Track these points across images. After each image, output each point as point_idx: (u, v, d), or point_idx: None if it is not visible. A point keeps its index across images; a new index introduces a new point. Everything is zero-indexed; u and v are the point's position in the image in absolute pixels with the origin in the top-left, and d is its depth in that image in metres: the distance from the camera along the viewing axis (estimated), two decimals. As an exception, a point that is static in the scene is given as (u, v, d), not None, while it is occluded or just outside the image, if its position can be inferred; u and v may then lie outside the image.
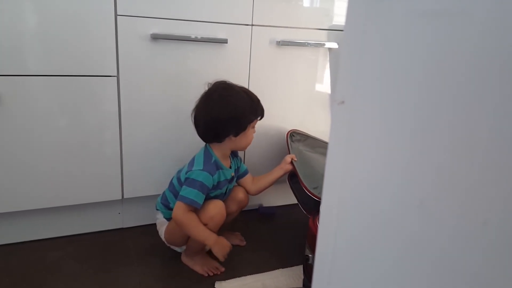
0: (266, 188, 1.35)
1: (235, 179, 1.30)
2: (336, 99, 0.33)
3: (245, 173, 1.35)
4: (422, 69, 0.30)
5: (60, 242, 1.33)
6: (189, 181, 1.14)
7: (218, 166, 1.20)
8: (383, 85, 0.31)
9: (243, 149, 1.29)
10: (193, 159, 1.21)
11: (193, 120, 1.20)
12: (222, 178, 1.21)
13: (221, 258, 1.15)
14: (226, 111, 1.14)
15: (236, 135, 1.18)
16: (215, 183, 1.19)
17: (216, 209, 1.16)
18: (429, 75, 0.29)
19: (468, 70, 0.27)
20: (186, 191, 1.14)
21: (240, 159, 1.34)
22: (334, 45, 1.49)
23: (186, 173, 1.17)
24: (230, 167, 1.26)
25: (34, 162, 1.20)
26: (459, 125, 0.27)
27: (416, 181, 0.29)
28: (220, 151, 1.21)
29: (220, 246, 1.14)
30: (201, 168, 1.15)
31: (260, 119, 1.23)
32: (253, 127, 1.23)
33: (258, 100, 1.21)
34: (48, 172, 1.22)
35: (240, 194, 1.31)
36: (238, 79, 1.36)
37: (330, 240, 0.41)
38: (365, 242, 0.36)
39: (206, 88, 1.20)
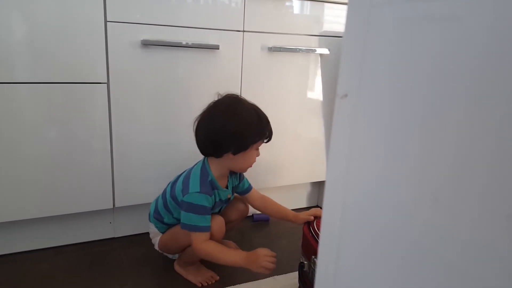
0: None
1: (231, 199, 1.25)
2: (339, 93, 0.32)
3: (249, 189, 1.28)
4: (427, 61, 0.29)
5: (50, 253, 1.29)
6: (190, 207, 1.08)
7: (213, 186, 1.13)
8: (390, 76, 0.30)
9: (242, 170, 1.19)
10: (189, 175, 1.14)
11: (194, 129, 1.13)
12: (217, 199, 1.16)
13: (267, 271, 1.03)
14: (230, 124, 1.06)
15: (235, 153, 1.08)
16: (213, 204, 1.14)
17: (216, 226, 1.13)
18: (435, 67, 0.29)
19: (467, 67, 0.27)
20: (192, 219, 1.08)
21: (241, 175, 1.26)
22: (325, 51, 1.49)
23: (182, 194, 1.10)
24: (227, 187, 1.20)
25: (21, 171, 1.17)
26: (471, 117, 0.26)
27: (429, 177, 0.28)
28: (218, 168, 1.14)
29: (256, 262, 1.03)
30: (198, 191, 1.08)
31: (266, 142, 1.16)
32: (257, 148, 1.14)
33: (268, 121, 1.13)
34: (36, 181, 1.19)
35: (240, 204, 1.29)
36: (230, 85, 1.35)
37: (333, 247, 0.40)
38: (373, 247, 0.35)
39: (216, 99, 1.13)
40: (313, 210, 1.24)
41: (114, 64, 1.20)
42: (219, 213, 1.23)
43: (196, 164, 1.19)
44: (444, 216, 0.28)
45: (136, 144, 1.29)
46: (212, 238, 1.11)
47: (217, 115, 1.08)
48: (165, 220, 1.19)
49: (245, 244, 1.41)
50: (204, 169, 1.14)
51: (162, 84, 1.28)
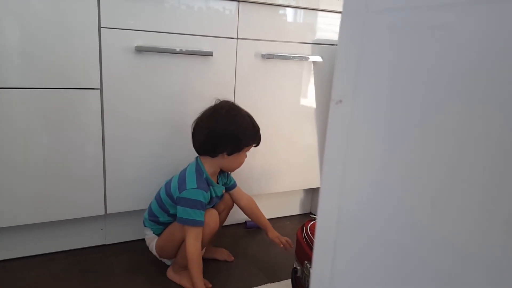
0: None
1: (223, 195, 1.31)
2: (333, 98, 0.32)
3: (234, 185, 1.34)
4: (423, 68, 0.29)
5: (40, 261, 1.27)
6: (187, 201, 1.14)
7: (209, 183, 1.20)
8: (385, 82, 0.30)
9: (232, 170, 1.28)
10: (184, 174, 1.19)
11: (192, 130, 1.20)
12: (213, 195, 1.22)
13: None
14: (230, 127, 1.15)
15: (229, 153, 1.18)
16: (209, 200, 1.19)
17: (211, 217, 1.18)
18: (430, 74, 0.29)
19: (462, 73, 0.27)
20: (188, 213, 1.13)
21: (227, 173, 1.32)
22: (318, 58, 1.50)
23: (179, 191, 1.15)
24: (218, 183, 1.26)
25: (12, 176, 1.15)
26: (467, 122, 0.26)
27: (425, 183, 0.29)
28: (211, 167, 1.21)
29: None
30: (195, 187, 1.15)
31: (256, 146, 1.25)
32: (247, 151, 1.24)
33: (259, 128, 1.24)
34: (27, 187, 1.18)
35: (225, 194, 1.33)
36: (224, 92, 1.35)
37: (328, 253, 0.40)
38: (369, 253, 0.35)
39: (213, 104, 1.21)
40: (284, 239, 1.31)
41: (107, 70, 1.19)
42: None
43: (189, 165, 1.23)
44: (440, 223, 0.28)
45: (128, 150, 1.28)
46: (208, 228, 1.17)
47: (218, 119, 1.17)
48: (161, 219, 1.21)
49: (239, 251, 1.41)
50: (198, 167, 1.20)
51: (156, 90, 1.27)
